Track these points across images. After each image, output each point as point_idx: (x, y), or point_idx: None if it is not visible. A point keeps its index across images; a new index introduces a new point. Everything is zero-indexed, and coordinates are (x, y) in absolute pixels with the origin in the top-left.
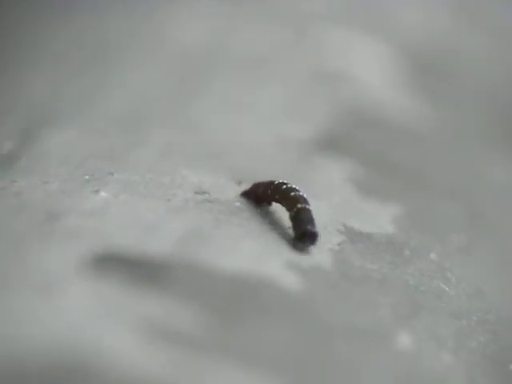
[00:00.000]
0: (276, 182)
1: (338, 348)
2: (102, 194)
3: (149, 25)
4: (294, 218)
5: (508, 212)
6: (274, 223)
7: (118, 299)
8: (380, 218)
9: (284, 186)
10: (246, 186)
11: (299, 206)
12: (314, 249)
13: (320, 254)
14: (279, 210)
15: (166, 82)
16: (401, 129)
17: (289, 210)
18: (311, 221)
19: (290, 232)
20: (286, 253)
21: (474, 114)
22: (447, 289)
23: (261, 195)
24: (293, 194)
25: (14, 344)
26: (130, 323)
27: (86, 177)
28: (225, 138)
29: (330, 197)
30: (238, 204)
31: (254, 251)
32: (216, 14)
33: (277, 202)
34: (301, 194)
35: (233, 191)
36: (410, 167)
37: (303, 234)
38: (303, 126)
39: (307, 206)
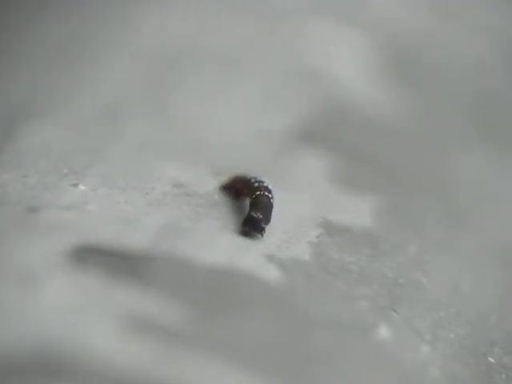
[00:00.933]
0: (250, 178)
1: (317, 340)
2: (81, 187)
3: (125, 21)
4: (250, 204)
5: (485, 205)
6: None
7: (98, 292)
8: (358, 211)
9: (253, 180)
10: (224, 179)
11: (257, 193)
12: (293, 241)
13: (299, 247)
14: None
15: (143, 77)
16: (379, 122)
17: (250, 197)
18: (262, 208)
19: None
20: (266, 245)
21: (452, 107)
22: (425, 281)
23: (239, 189)
24: (256, 184)
25: None
26: (111, 316)
27: (65, 170)
28: (202, 131)
29: (309, 190)
30: (216, 197)
31: (234, 244)
32: (192, 10)
33: (246, 194)
34: (265, 185)
35: (211, 184)
36: (388, 161)
37: (247, 219)
38: (281, 119)
39: (266, 193)
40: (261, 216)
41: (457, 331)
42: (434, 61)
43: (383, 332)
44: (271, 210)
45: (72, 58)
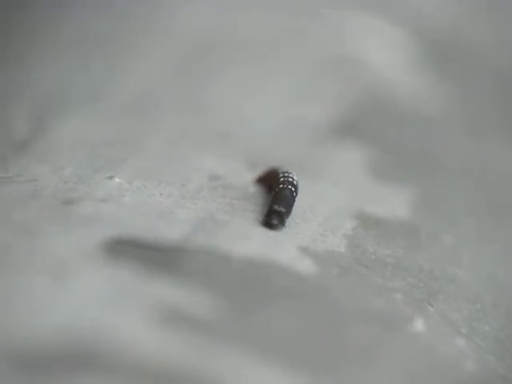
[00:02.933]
0: (279, 171)
1: (352, 333)
2: (117, 179)
3: (158, 12)
4: (272, 197)
5: None
6: None
7: (132, 284)
8: (394, 203)
9: (281, 173)
10: (258, 171)
11: (281, 186)
12: (328, 233)
13: (334, 239)
14: None
15: (177, 68)
16: (415, 113)
17: (274, 190)
18: (283, 201)
19: None
20: (300, 238)
21: (487, 96)
22: (461, 273)
23: (270, 182)
24: (282, 178)
25: (29, 329)
26: (144, 308)
27: (100, 163)
28: (237, 122)
29: (344, 181)
30: (251, 189)
31: (269, 237)
32: (227, 0)
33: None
34: (289, 179)
35: (246, 176)
36: (423, 151)
37: (269, 212)
38: (316, 109)
39: (288, 187)
40: (283, 209)
41: (492, 323)
42: (471, 52)
43: (418, 325)
44: (292, 204)
45: (106, 49)
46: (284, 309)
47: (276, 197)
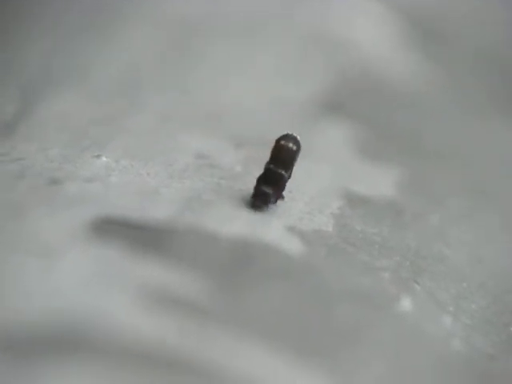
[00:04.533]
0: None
1: (339, 312)
2: (103, 159)
3: None
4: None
5: (508, 175)
6: None
7: (120, 264)
8: (381, 182)
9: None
10: (245, 150)
11: (266, 166)
12: (315, 212)
13: (321, 218)
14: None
15: (163, 47)
16: (402, 92)
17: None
18: (268, 180)
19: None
20: (287, 217)
21: (475, 77)
22: (448, 252)
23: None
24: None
25: (16, 311)
26: (132, 288)
27: (86, 142)
28: (223, 101)
29: (331, 161)
30: (238, 168)
31: (256, 216)
32: None
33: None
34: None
35: (233, 155)
36: (410, 131)
37: (256, 193)
38: (302, 88)
39: (272, 168)
40: (271, 191)
41: (479, 302)
42: (459, 32)
43: (405, 304)
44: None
45: (91, 29)
46: (271, 288)
47: (261, 177)
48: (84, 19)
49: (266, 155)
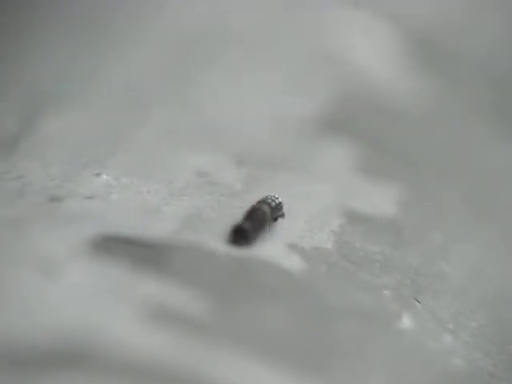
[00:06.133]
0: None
1: (339, 329)
2: (104, 176)
3: (149, 5)
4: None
5: (510, 193)
6: None
7: (120, 281)
8: (381, 200)
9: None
10: (246, 168)
11: (253, 205)
12: (315, 230)
13: (321, 236)
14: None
15: (166, 63)
16: (402, 110)
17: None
18: (249, 218)
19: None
20: (288, 235)
21: (474, 94)
22: (448, 270)
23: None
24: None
25: (17, 327)
26: (132, 304)
27: (87, 159)
28: (224, 118)
29: (331, 178)
30: (238, 186)
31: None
32: None
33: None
34: (269, 200)
35: (234, 173)
36: (411, 149)
37: (234, 230)
38: (304, 106)
39: (259, 207)
40: (250, 226)
41: (479, 320)
42: (457, 48)
43: (406, 321)
44: (263, 222)
45: (96, 45)
46: (272, 306)
47: (247, 214)
48: (87, 36)
49: (266, 173)
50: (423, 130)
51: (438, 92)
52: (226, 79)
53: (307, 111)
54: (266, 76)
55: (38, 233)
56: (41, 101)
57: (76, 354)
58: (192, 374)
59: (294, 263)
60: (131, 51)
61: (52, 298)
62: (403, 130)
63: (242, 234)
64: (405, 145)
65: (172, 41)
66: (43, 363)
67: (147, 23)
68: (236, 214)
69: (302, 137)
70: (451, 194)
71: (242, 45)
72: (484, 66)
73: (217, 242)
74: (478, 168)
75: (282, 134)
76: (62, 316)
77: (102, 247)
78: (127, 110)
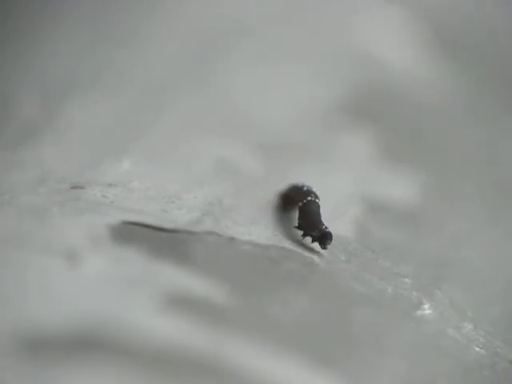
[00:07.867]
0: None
1: (360, 318)
2: (125, 164)
3: None
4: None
5: None
6: None
7: (140, 268)
8: (402, 187)
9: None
10: (267, 155)
11: (308, 198)
12: (335, 218)
13: (341, 224)
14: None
15: (189, 51)
16: (423, 99)
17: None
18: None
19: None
20: None
21: (494, 83)
22: (469, 258)
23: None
24: (305, 189)
25: (41, 314)
26: (152, 292)
27: (109, 147)
28: (246, 106)
29: (352, 166)
30: (259, 174)
31: (275, 220)
32: None
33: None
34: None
35: (254, 160)
36: (432, 137)
37: (322, 236)
38: (326, 95)
39: (316, 200)
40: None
41: (500, 308)
42: (478, 39)
43: (426, 309)
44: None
45: (113, 33)
46: (291, 293)
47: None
48: (108, 24)
49: (287, 161)
50: (444, 119)
51: (458, 82)
52: (251, 68)
53: (330, 100)
54: (289, 66)
55: (60, 220)
56: (62, 89)
57: (96, 340)
58: (211, 360)
59: (314, 252)
60: (153, 39)
61: (73, 284)
62: (425, 119)
63: (329, 239)
64: (425, 133)
65: (195, 29)
66: (64, 349)
67: (171, 9)
68: (256, 201)
69: (323, 125)
70: (471, 182)
71: (264, 35)
72: (505, 57)
73: (237, 229)
74: (499, 156)
75: (303, 122)
76: (83, 302)
77: (123, 234)
78: (149, 97)
